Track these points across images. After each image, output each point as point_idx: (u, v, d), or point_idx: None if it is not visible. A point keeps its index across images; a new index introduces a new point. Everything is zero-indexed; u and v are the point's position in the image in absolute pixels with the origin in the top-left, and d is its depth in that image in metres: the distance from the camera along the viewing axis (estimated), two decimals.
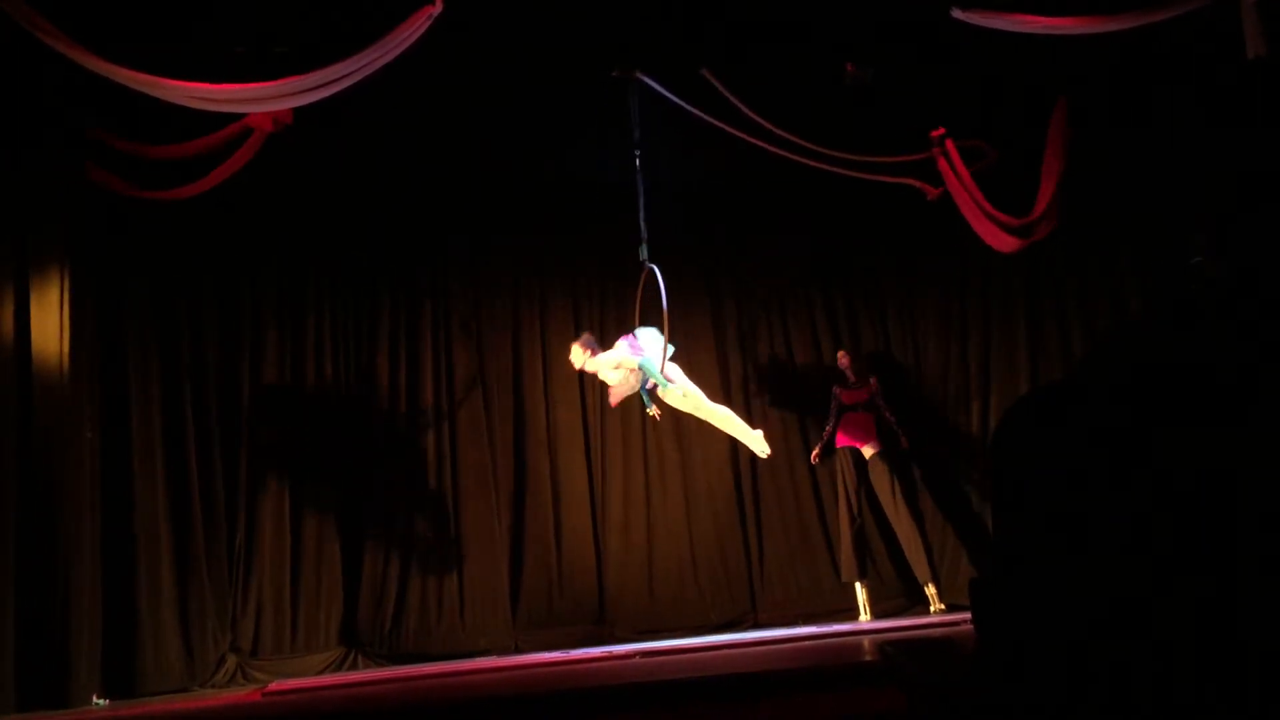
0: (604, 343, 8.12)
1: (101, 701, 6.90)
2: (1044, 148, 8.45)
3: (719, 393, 9.63)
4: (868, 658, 5.20)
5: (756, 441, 7.92)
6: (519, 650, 8.58)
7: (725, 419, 7.99)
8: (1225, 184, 1.21)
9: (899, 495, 8.81)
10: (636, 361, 7.72)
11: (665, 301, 7.53)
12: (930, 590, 8.63)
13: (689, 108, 7.67)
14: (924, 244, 9.66)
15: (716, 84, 7.63)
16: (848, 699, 4.37)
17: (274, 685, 7.14)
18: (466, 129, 8.39)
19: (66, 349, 7.00)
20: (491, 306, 9.46)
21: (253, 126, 7.24)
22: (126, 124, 7.27)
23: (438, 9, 6.58)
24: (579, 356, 7.96)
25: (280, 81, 6.63)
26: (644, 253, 7.89)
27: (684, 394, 7.83)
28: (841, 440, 8.97)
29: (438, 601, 8.73)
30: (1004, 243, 8.54)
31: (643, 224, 7.87)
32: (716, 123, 7.75)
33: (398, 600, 8.65)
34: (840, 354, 9.25)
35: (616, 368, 7.85)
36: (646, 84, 7.62)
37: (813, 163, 8.10)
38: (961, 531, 9.23)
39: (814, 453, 9.11)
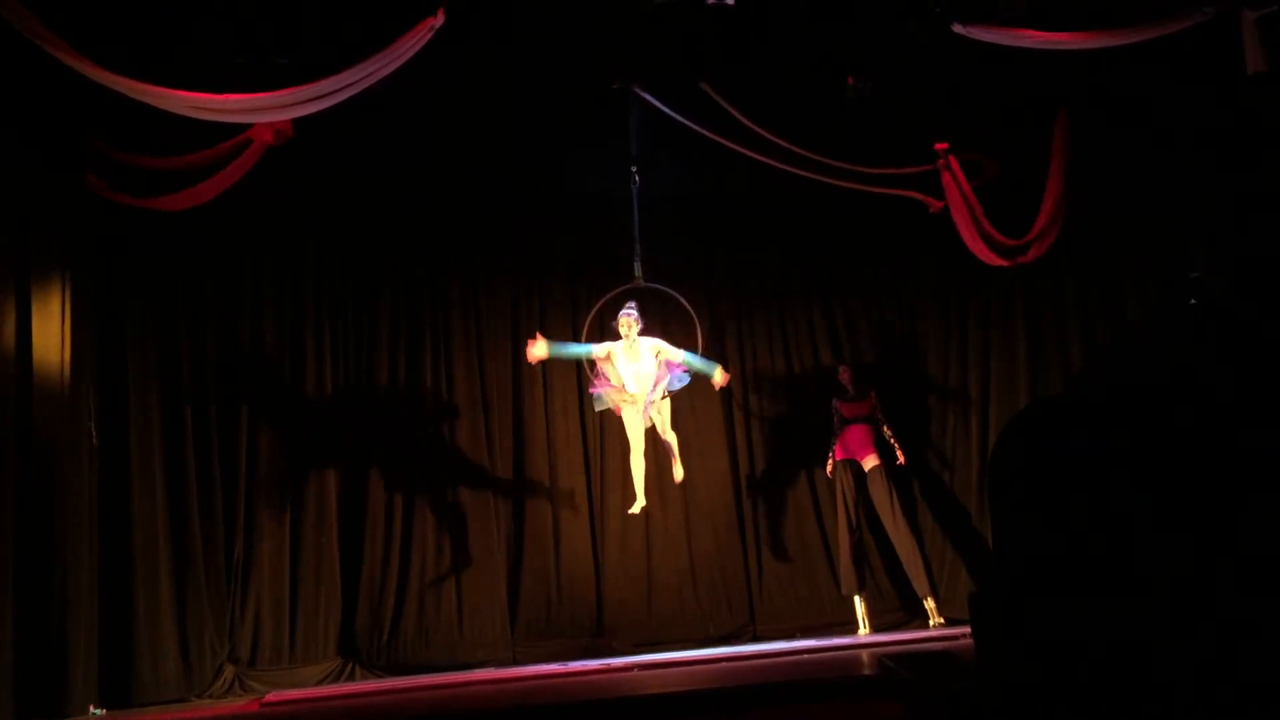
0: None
1: (99, 711, 6.89)
2: (1045, 161, 8.46)
3: (718, 406, 9.66)
4: (867, 671, 5.19)
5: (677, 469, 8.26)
6: (517, 662, 8.56)
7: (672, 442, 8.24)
8: (1224, 198, 1.21)
9: (898, 508, 8.79)
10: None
11: (700, 337, 7.75)
12: (929, 604, 8.60)
13: (688, 123, 7.69)
14: (924, 256, 9.67)
15: (716, 98, 7.64)
16: (846, 711, 4.36)
17: (271, 695, 7.13)
18: (467, 140, 8.40)
19: (67, 358, 7.01)
20: (491, 317, 9.45)
21: (253, 139, 7.25)
22: (127, 133, 7.28)
23: (439, 21, 6.60)
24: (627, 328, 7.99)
25: (282, 92, 6.65)
26: (638, 269, 7.93)
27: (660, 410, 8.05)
28: (841, 453, 8.95)
29: (436, 612, 8.71)
30: (994, 261, 8.57)
31: (636, 242, 7.91)
32: (717, 138, 7.77)
33: (396, 611, 8.64)
34: (841, 368, 9.23)
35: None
36: (645, 98, 7.65)
37: (815, 175, 8.11)
38: (961, 545, 9.21)
39: (828, 467, 9.09)
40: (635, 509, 8.13)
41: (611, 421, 9.48)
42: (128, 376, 8.06)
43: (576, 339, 9.47)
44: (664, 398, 8.06)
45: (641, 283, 8.05)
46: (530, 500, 9.22)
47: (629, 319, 7.95)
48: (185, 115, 6.61)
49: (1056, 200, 8.37)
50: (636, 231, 7.94)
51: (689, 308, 8.45)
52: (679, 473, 8.28)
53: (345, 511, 8.72)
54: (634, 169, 7.94)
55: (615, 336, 8.45)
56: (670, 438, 8.19)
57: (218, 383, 8.52)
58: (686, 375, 8.13)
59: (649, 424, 8.05)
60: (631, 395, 7.96)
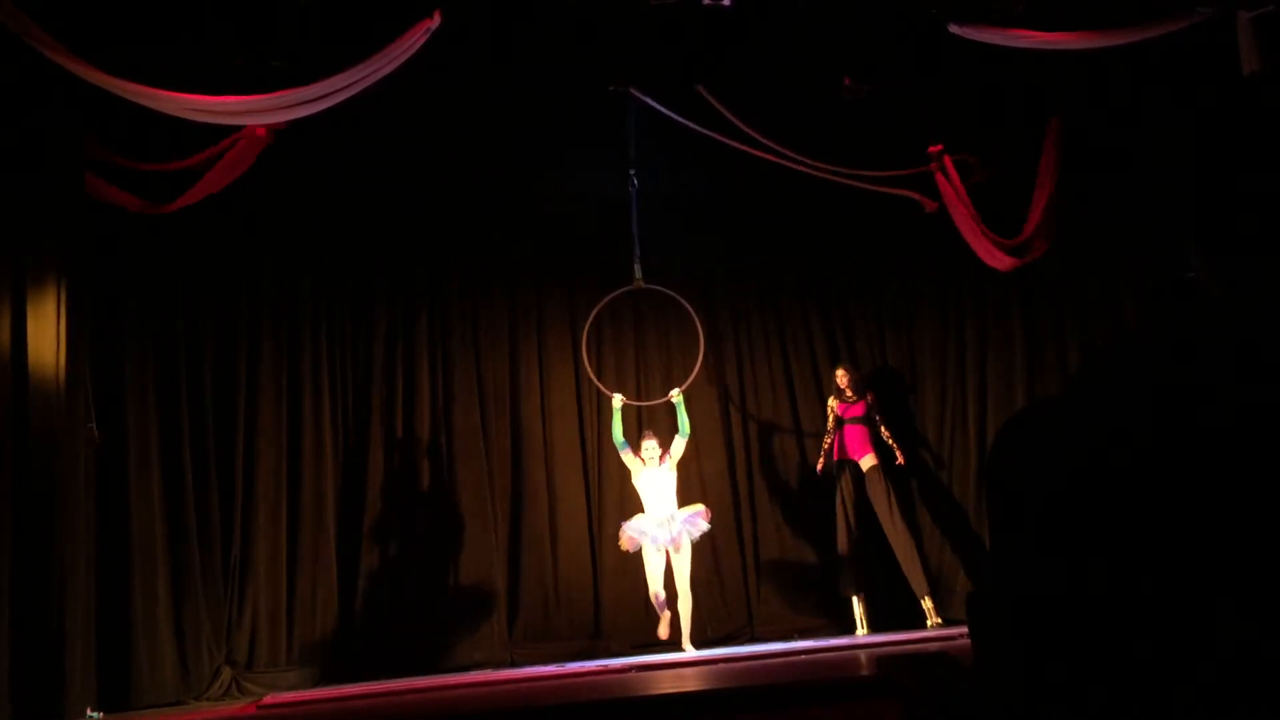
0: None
1: (96, 714, 6.87)
2: (1038, 165, 8.47)
3: (715, 410, 9.67)
4: (864, 672, 5.19)
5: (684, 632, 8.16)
6: (514, 664, 8.56)
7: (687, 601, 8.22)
8: (1220, 198, 1.21)
9: (895, 508, 8.80)
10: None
11: (701, 341, 7.84)
12: (927, 603, 8.61)
13: (685, 122, 7.69)
14: (920, 258, 9.69)
15: (711, 100, 7.65)
16: (844, 712, 4.36)
17: (269, 698, 7.12)
18: (464, 143, 8.41)
19: (63, 362, 6.98)
20: (489, 321, 9.46)
21: (244, 136, 7.24)
22: (125, 136, 7.27)
23: (435, 23, 6.59)
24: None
25: (278, 94, 6.65)
26: (638, 271, 7.96)
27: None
28: (839, 453, 8.97)
29: (433, 614, 8.71)
30: (999, 261, 8.57)
31: (636, 243, 7.93)
32: (715, 135, 7.77)
33: (393, 613, 8.63)
34: (839, 369, 9.24)
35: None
36: (641, 100, 7.66)
37: (811, 171, 8.11)
38: (958, 545, 9.22)
39: (818, 465, 9.11)
40: (661, 631, 8.17)
41: (608, 424, 9.50)
42: (124, 379, 8.05)
43: (575, 343, 9.50)
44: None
45: (641, 284, 8.09)
46: (528, 502, 9.22)
47: (651, 446, 8.31)
48: (181, 117, 6.61)
49: (1046, 203, 8.36)
50: (635, 233, 7.97)
51: (689, 308, 8.49)
52: (687, 644, 8.12)
53: (342, 513, 8.72)
54: (631, 171, 7.95)
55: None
56: (686, 594, 8.18)
57: (215, 385, 8.51)
58: (706, 523, 8.26)
59: (669, 551, 8.13)
60: (654, 519, 8.12)
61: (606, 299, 8.46)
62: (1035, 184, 8.45)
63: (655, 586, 8.12)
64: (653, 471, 8.26)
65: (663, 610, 8.15)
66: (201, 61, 6.86)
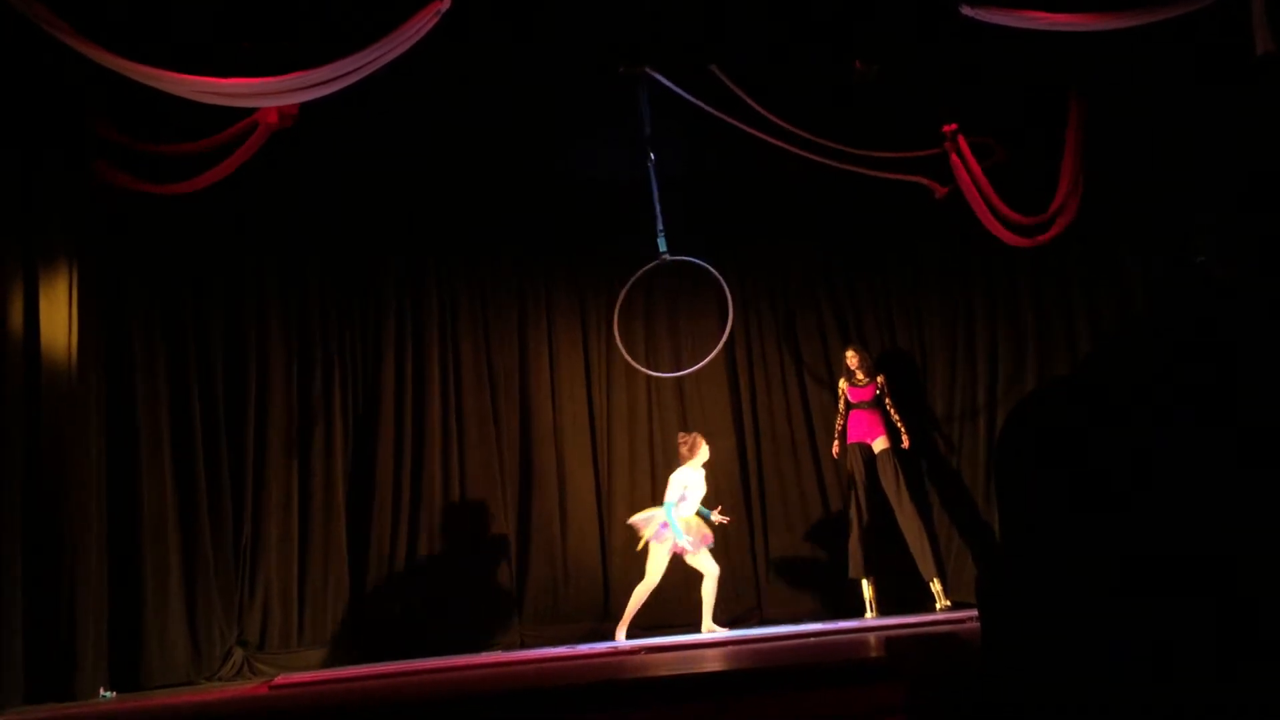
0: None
1: (108, 694, 6.92)
2: (1055, 144, 8.42)
3: (725, 389, 9.68)
4: (874, 654, 5.19)
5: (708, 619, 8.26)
6: (524, 645, 8.61)
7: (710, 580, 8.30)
8: (1231, 182, 1.21)
9: (904, 491, 8.79)
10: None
11: (730, 308, 8.21)
12: (935, 586, 8.61)
13: (697, 102, 7.67)
14: (931, 240, 9.66)
15: (725, 80, 7.62)
16: (853, 695, 4.37)
17: (280, 678, 7.15)
18: (474, 125, 8.39)
19: (75, 344, 7.02)
20: (498, 303, 9.48)
21: (258, 122, 7.23)
22: (134, 119, 7.27)
23: (445, 4, 6.57)
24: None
25: (287, 76, 6.63)
26: (662, 245, 7.94)
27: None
28: (851, 436, 8.98)
29: (443, 596, 8.74)
30: (1013, 240, 8.54)
31: (658, 218, 7.90)
32: (726, 118, 7.74)
33: (404, 594, 8.67)
34: (849, 352, 9.23)
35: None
36: (655, 79, 7.63)
37: (822, 159, 8.09)
38: (968, 529, 9.22)
39: (834, 447, 9.13)
40: (620, 636, 8.20)
41: (619, 407, 9.53)
42: (135, 361, 8.07)
43: (585, 326, 9.53)
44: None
45: (667, 258, 8.08)
46: (537, 485, 9.25)
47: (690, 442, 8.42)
48: (190, 99, 6.60)
49: (1073, 176, 8.32)
50: (657, 208, 7.95)
51: (718, 276, 8.44)
52: (709, 625, 8.25)
53: (352, 495, 8.76)
54: (648, 146, 7.93)
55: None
56: (715, 572, 8.29)
57: (225, 366, 8.53)
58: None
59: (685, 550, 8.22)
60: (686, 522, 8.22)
61: (639, 272, 8.41)
62: (1058, 158, 8.39)
63: (653, 582, 8.17)
64: (691, 472, 8.34)
65: (629, 618, 8.22)
66: (210, 43, 6.85)
